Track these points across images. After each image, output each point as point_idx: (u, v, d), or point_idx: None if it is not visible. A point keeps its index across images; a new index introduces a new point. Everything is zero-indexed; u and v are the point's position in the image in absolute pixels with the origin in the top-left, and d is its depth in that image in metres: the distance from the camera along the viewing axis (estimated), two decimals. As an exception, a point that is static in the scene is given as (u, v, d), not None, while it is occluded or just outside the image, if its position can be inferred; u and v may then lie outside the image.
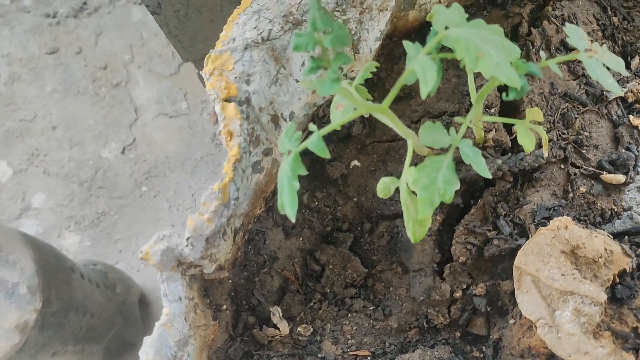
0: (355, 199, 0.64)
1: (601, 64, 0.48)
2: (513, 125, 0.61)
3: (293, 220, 0.41)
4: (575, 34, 0.51)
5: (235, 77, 0.52)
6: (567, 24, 0.54)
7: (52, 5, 1.70)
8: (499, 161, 0.58)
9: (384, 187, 0.49)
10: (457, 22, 0.43)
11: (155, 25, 1.59)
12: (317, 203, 0.64)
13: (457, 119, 0.54)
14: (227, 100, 0.51)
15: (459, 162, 0.52)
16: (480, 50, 0.40)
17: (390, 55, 0.68)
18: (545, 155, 0.57)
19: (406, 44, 0.45)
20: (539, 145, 0.61)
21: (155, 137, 1.40)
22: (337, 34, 0.40)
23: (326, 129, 0.44)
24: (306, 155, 0.65)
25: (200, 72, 1.06)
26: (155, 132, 1.41)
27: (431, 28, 0.45)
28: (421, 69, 0.40)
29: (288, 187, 0.42)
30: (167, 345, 0.48)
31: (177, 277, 0.51)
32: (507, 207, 0.59)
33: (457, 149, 0.48)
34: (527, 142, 0.50)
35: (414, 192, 0.47)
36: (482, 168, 0.46)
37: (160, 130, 1.41)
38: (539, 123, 0.55)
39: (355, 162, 0.65)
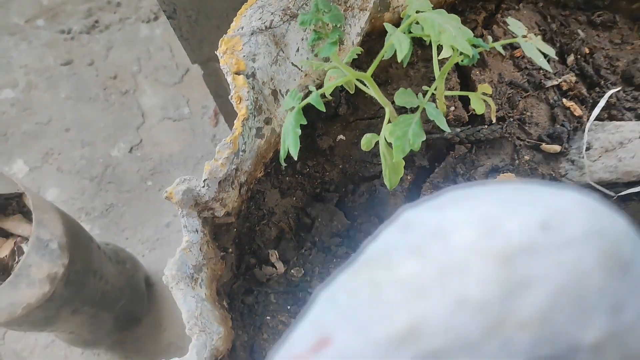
0: (340, 166, 0.73)
1: (534, 47, 0.60)
2: (471, 106, 0.72)
3: (295, 157, 0.51)
4: (515, 25, 0.62)
5: (244, 56, 0.61)
6: (509, 18, 0.65)
7: (66, 23, 1.80)
8: (458, 129, 0.68)
9: (366, 140, 0.58)
10: (425, 9, 0.54)
11: (160, 41, 1.70)
12: (308, 169, 0.74)
13: (424, 88, 0.64)
14: (237, 73, 0.61)
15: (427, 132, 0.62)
16: (442, 27, 0.51)
17: (370, 51, 0.79)
18: (493, 120, 0.68)
19: (387, 25, 0.56)
20: (491, 122, 0.71)
21: (160, 138, 1.49)
22: (334, 13, 0.51)
23: (323, 89, 0.54)
24: (300, 129, 0.75)
25: (204, 74, 1.16)
26: (160, 134, 1.50)
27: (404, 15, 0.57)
28: (398, 41, 0.51)
29: (292, 132, 0.51)
30: (186, 265, 0.56)
31: (194, 214, 0.60)
32: (464, 168, 0.69)
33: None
34: (478, 106, 0.61)
35: (390, 145, 0.57)
36: (443, 123, 0.56)
37: (164, 132, 1.50)
38: (490, 96, 0.66)
39: (341, 136, 0.74)
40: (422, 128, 0.56)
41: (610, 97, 0.77)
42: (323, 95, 0.66)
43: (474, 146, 0.71)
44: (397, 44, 0.49)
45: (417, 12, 0.52)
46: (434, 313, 0.19)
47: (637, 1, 0.86)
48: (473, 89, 0.74)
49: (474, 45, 0.58)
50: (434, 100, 0.69)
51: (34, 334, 1.20)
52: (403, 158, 0.57)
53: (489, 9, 0.82)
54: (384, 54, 0.54)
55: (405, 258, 0.21)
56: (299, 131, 0.52)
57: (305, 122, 0.52)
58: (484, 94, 0.63)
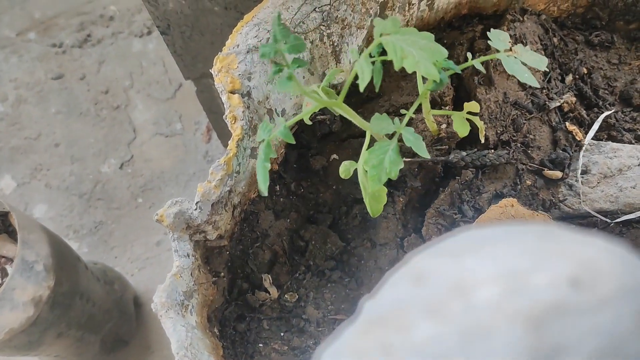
0: (334, 187, 0.71)
1: (519, 61, 0.58)
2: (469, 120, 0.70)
3: (265, 194, 0.49)
4: (497, 38, 0.60)
5: (239, 74, 0.60)
6: (492, 30, 0.62)
7: (57, 37, 1.79)
8: (463, 153, 0.67)
9: (344, 169, 0.57)
10: (390, 31, 0.51)
11: (153, 56, 1.68)
12: (302, 190, 0.72)
13: (402, 111, 0.61)
14: (232, 92, 0.59)
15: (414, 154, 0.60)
16: (404, 51, 0.48)
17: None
18: (482, 141, 0.66)
19: (351, 50, 0.54)
20: (488, 143, 0.70)
21: (152, 154, 1.47)
22: (293, 43, 0.49)
23: (292, 121, 0.52)
24: (294, 150, 0.73)
25: (197, 90, 1.14)
26: (151, 150, 1.48)
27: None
28: (360, 68, 0.49)
29: (262, 167, 0.49)
30: (176, 291, 0.54)
31: (185, 238, 0.57)
32: (470, 194, 0.68)
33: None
34: (460, 129, 0.59)
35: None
36: (422, 150, 0.53)
37: (156, 148, 1.48)
38: (477, 114, 0.64)
39: (334, 156, 0.73)
40: (400, 155, 0.53)
41: (610, 117, 0.76)
42: (308, 118, 0.63)
43: (479, 171, 0.70)
44: (360, 72, 0.47)
45: (381, 34, 0.50)
46: None
47: (635, 21, 0.85)
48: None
49: (445, 68, 0.55)
50: (422, 120, 0.68)
51: (16, 359, 1.16)
52: (392, 180, 0.55)
53: (487, 22, 0.81)
54: (352, 81, 0.52)
55: (421, 318, 0.19)
56: (269, 165, 0.49)
57: (275, 155, 0.50)
58: (470, 112, 0.61)
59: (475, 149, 0.70)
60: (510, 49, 0.56)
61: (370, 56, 0.51)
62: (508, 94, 0.75)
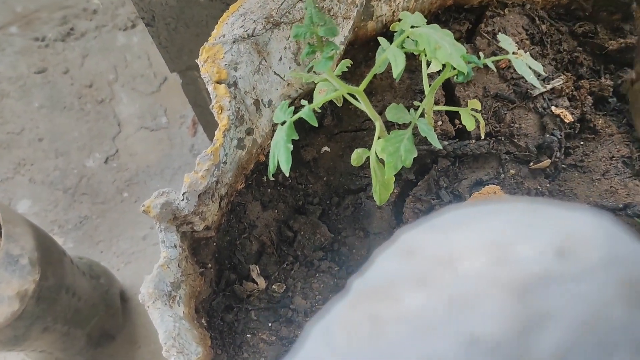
0: (325, 178, 0.71)
1: (525, 63, 0.59)
2: (456, 120, 0.71)
3: (287, 174, 0.49)
4: (506, 41, 0.62)
5: (225, 64, 0.59)
6: (499, 34, 0.64)
7: (40, 30, 1.76)
8: (445, 142, 0.67)
9: (357, 156, 0.57)
10: (419, 24, 0.53)
11: (138, 49, 1.66)
12: (291, 181, 0.72)
13: (415, 103, 0.63)
14: (219, 82, 0.59)
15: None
16: (438, 43, 0.50)
17: (353, 60, 0.77)
18: (482, 136, 0.67)
19: (381, 39, 0.55)
20: (479, 136, 0.70)
21: (137, 148, 1.46)
22: (328, 26, 0.50)
23: (316, 103, 0.52)
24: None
25: (183, 83, 1.13)
26: (137, 144, 1.47)
27: (396, 30, 0.57)
28: (393, 56, 0.50)
29: (284, 148, 0.50)
30: (164, 282, 0.54)
31: (172, 229, 0.57)
32: (447, 181, 0.68)
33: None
34: (468, 122, 0.60)
35: (380, 161, 0.56)
36: (434, 139, 0.56)
37: (141, 142, 1.47)
38: (478, 111, 0.65)
39: (325, 148, 0.72)
40: (414, 144, 0.55)
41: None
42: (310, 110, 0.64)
43: (457, 160, 0.70)
44: (393, 60, 0.48)
45: (412, 27, 0.51)
46: (442, 354, 0.17)
47: (617, 12, 0.86)
48: (457, 103, 0.73)
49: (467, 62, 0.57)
50: (422, 115, 0.68)
51: (2, 354, 1.15)
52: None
53: (472, 20, 0.82)
54: (378, 68, 0.53)
55: (409, 289, 0.19)
56: (291, 146, 0.50)
57: (297, 137, 0.51)
58: (474, 109, 0.62)
59: (457, 139, 0.70)
60: (517, 52, 0.57)
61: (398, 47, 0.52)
62: (488, 87, 0.75)
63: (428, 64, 0.62)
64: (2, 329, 0.76)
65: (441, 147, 0.58)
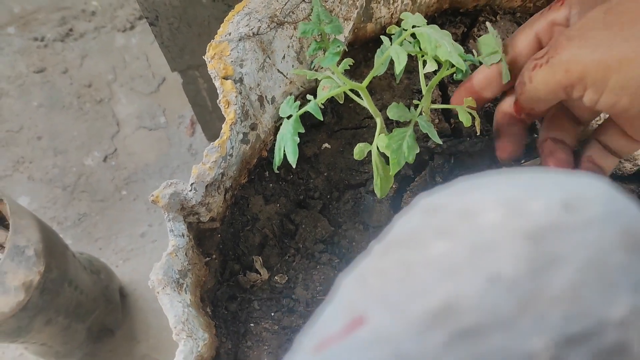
0: (325, 174, 0.73)
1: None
2: (452, 119, 0.74)
3: (294, 165, 0.51)
4: (487, 44, 0.64)
5: (232, 61, 0.61)
6: (480, 37, 0.66)
7: (38, 31, 1.77)
8: (440, 140, 0.69)
9: (359, 150, 0.59)
10: (420, 24, 0.55)
11: (136, 50, 1.68)
12: (292, 176, 0.73)
13: (414, 102, 0.65)
14: (225, 78, 0.60)
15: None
16: (438, 42, 0.52)
17: (353, 60, 0.79)
18: (478, 132, 0.69)
19: (383, 38, 0.58)
20: (475, 134, 0.72)
21: (136, 147, 1.47)
22: (334, 24, 0.52)
23: (321, 98, 0.54)
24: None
25: (183, 82, 1.15)
26: (135, 143, 1.48)
27: (394, 33, 0.59)
28: (396, 53, 0.52)
29: (291, 140, 0.52)
30: (172, 269, 0.55)
31: (180, 218, 0.59)
32: (442, 177, 0.70)
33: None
34: (464, 118, 0.62)
35: (383, 155, 0.58)
36: (435, 135, 0.58)
37: (140, 141, 1.48)
38: (473, 108, 0.67)
39: (326, 145, 0.74)
40: (415, 141, 0.57)
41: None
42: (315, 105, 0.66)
43: (452, 157, 0.72)
44: (396, 57, 0.50)
45: (414, 26, 0.54)
46: (467, 290, 0.20)
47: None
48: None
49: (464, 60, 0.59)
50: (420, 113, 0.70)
51: (1, 347, 1.15)
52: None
53: (467, 23, 0.84)
54: (380, 66, 0.55)
55: (434, 239, 0.21)
56: (298, 139, 0.52)
57: (303, 131, 0.53)
58: (470, 107, 0.64)
59: (452, 137, 0.72)
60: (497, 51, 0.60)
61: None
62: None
63: (424, 64, 0.64)
64: (7, 319, 0.77)
65: (441, 143, 0.60)
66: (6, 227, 0.88)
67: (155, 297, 0.54)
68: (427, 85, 0.64)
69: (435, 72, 0.64)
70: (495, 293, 0.20)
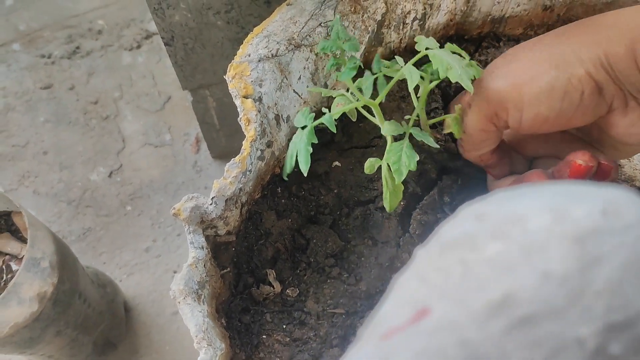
0: (335, 191, 0.75)
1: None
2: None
3: (305, 174, 0.53)
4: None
5: (252, 80, 0.64)
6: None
7: (45, 48, 1.79)
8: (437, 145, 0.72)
9: (369, 164, 0.61)
10: (433, 46, 0.59)
11: (143, 69, 1.70)
12: (303, 193, 0.75)
13: (406, 117, 0.68)
14: (245, 97, 0.63)
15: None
16: (449, 64, 0.55)
17: (362, 82, 0.82)
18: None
19: (397, 58, 0.61)
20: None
21: (141, 163, 1.49)
22: (352, 42, 0.56)
23: (336, 112, 0.58)
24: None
25: (193, 101, 1.17)
26: (141, 159, 1.49)
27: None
28: (409, 72, 0.55)
29: (304, 150, 0.54)
30: (192, 280, 0.57)
31: (199, 231, 0.60)
32: (450, 197, 0.73)
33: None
34: (455, 129, 0.64)
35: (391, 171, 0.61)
36: (430, 141, 0.61)
37: (145, 158, 1.49)
38: None
39: (336, 163, 0.77)
40: (413, 149, 0.60)
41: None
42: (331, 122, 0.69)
43: (460, 178, 0.75)
44: (408, 75, 0.53)
45: (427, 49, 0.57)
46: (524, 284, 0.22)
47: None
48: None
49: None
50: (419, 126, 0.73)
51: (4, 357, 1.15)
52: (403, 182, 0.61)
53: (472, 50, 0.87)
54: (392, 86, 0.58)
55: (489, 240, 0.24)
56: (311, 149, 0.54)
57: (317, 141, 0.55)
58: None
59: (459, 158, 0.75)
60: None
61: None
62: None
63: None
64: (20, 329, 0.78)
65: (437, 147, 0.65)
66: (19, 239, 0.89)
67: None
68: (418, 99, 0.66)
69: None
70: (548, 287, 0.22)
